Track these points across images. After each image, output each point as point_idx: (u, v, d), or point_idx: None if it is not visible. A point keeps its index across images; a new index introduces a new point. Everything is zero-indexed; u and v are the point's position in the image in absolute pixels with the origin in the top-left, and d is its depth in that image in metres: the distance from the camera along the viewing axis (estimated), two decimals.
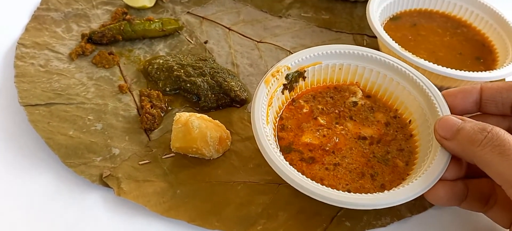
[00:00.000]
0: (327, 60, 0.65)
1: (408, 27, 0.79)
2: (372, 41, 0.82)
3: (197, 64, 0.72)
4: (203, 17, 0.84)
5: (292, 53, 0.78)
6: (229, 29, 0.82)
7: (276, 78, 0.62)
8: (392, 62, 0.64)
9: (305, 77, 0.65)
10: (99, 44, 0.75)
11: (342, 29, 0.84)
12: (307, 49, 0.65)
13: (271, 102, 0.61)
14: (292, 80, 0.64)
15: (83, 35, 0.76)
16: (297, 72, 0.65)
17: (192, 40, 0.79)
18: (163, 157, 0.62)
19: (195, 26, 0.82)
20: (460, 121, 0.52)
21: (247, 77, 0.74)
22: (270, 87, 0.61)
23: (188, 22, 0.82)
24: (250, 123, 0.65)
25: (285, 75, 0.63)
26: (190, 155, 0.62)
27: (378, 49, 0.77)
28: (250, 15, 0.85)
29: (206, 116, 0.62)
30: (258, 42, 0.80)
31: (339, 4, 0.88)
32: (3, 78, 0.70)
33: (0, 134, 0.63)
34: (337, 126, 0.62)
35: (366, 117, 0.64)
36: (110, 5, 0.83)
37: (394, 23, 0.79)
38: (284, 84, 0.64)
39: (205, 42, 0.79)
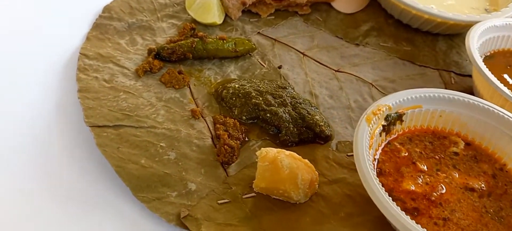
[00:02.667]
0: (427, 104, 0.60)
1: (503, 68, 0.71)
2: (460, 79, 0.74)
3: (277, 93, 0.65)
4: (275, 39, 0.77)
5: (374, 86, 0.72)
6: (304, 54, 0.75)
7: (378, 117, 0.56)
8: (498, 111, 0.59)
9: (403, 120, 0.59)
10: (167, 61, 0.68)
11: (427, 64, 0.76)
12: (406, 90, 0.60)
13: (371, 144, 0.55)
14: (391, 122, 0.58)
15: (150, 50, 0.69)
16: (396, 114, 0.58)
17: (265, 63, 0.73)
18: (244, 197, 0.54)
19: (267, 49, 0.75)
20: None
21: (327, 110, 0.67)
22: (371, 127, 0.55)
23: (259, 44, 0.75)
24: (336, 163, 0.58)
25: (385, 116, 0.57)
26: (274, 197, 0.55)
27: (470, 88, 0.71)
28: (324, 40, 0.78)
29: (295, 153, 0.55)
30: (336, 71, 0.73)
31: (420, 35, 0.81)
32: (65, 91, 0.63)
33: (64, 157, 0.56)
34: (439, 173, 0.56)
35: (471, 166, 0.58)
36: (176, 19, 0.77)
37: (488, 63, 0.72)
38: (382, 126, 0.57)
39: (279, 67, 0.72)
